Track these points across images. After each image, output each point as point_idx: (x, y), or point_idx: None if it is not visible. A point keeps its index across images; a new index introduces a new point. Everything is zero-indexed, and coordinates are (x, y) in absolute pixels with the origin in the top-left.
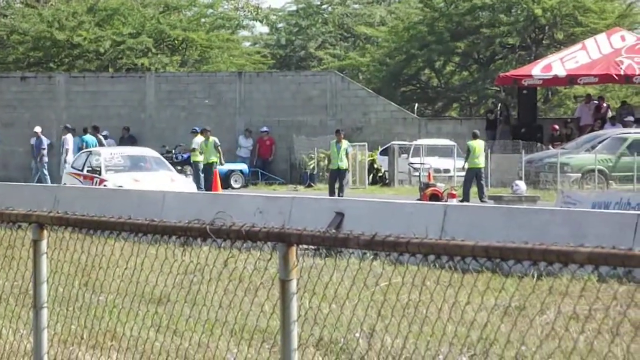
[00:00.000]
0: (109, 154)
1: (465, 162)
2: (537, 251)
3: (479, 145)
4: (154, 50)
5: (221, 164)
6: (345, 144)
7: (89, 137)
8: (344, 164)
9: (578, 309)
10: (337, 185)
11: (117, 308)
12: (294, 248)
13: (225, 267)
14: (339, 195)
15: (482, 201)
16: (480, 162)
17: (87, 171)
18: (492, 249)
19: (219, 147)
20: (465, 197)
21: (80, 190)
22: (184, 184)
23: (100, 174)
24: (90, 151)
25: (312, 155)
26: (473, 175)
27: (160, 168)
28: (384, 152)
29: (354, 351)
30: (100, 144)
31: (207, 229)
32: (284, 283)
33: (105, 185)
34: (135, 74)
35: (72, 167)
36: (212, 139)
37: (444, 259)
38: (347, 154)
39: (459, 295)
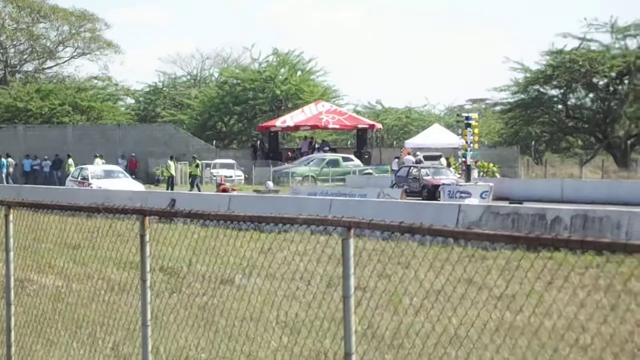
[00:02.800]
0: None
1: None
2: (277, 218)
3: (173, 163)
4: (72, 112)
5: None
6: (172, 162)
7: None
8: (173, 173)
9: (300, 249)
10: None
11: (52, 251)
12: (147, 217)
13: (110, 228)
14: (172, 189)
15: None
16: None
17: (81, 179)
18: (255, 217)
19: None
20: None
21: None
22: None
23: (88, 180)
24: (81, 168)
25: (157, 169)
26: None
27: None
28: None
29: (181, 272)
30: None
31: (100, 207)
32: (142, 237)
33: (90, 187)
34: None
35: (72, 177)
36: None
37: (229, 223)
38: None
39: (236, 242)
